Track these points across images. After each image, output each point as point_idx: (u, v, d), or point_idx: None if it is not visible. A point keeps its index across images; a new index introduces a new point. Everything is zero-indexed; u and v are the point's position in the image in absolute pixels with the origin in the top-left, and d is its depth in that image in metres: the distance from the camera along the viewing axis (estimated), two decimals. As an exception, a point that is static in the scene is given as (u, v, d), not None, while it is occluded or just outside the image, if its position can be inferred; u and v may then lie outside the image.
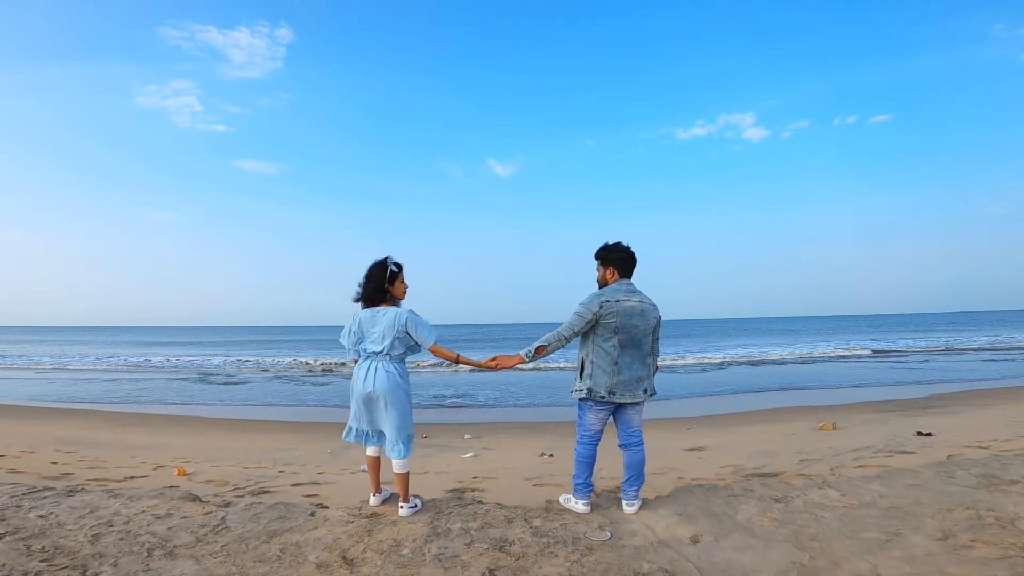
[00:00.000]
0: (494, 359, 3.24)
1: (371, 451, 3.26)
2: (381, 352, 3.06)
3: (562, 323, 3.05)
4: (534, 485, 4.52)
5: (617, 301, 2.98)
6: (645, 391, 3.11)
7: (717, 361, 23.18)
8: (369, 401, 3.09)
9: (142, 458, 5.94)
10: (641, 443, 3.15)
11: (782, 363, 22.97)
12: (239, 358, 29.42)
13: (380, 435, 3.21)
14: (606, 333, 2.98)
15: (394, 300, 3.15)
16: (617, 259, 3.13)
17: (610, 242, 3.17)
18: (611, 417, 3.15)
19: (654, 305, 3.10)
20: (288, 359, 27.41)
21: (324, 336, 65.83)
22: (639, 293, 3.10)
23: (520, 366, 3.66)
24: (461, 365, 3.22)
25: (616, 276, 3.13)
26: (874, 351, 27.45)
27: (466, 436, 7.24)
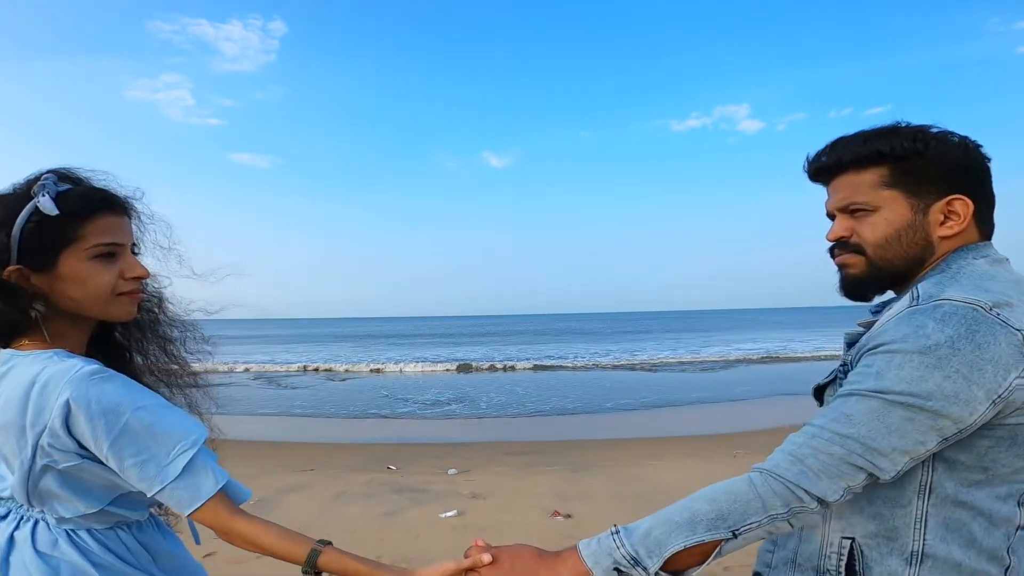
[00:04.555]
0: None
1: None
2: (8, 499, 0.93)
3: (804, 434, 0.84)
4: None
5: None
6: None
7: (732, 359, 21.62)
8: None
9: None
10: None
11: (797, 360, 21.49)
12: (221, 361, 27.55)
13: None
14: (1017, 460, 0.79)
15: (53, 323, 0.93)
16: (983, 182, 0.91)
17: (930, 129, 0.91)
18: None
19: None
20: (279, 356, 25.48)
21: (317, 330, 63.74)
22: None
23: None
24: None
25: (974, 233, 0.91)
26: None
27: (450, 471, 5.62)
